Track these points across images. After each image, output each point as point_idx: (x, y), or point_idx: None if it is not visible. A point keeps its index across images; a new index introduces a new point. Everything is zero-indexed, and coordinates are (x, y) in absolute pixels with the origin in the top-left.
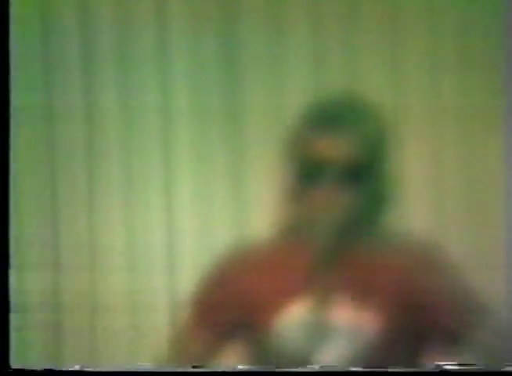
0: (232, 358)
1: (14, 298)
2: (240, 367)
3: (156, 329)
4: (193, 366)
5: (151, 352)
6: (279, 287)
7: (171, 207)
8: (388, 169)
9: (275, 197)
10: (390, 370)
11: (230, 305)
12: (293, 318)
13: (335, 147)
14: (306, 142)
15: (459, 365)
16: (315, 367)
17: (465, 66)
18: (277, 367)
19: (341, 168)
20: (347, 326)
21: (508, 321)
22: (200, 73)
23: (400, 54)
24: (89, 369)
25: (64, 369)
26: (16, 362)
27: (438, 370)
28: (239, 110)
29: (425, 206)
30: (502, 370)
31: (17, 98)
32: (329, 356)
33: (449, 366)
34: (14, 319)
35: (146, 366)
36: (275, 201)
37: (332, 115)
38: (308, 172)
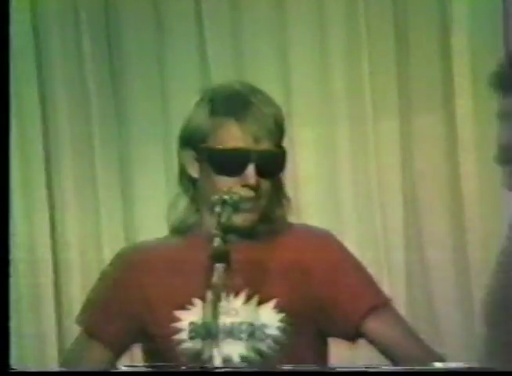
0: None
1: None
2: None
3: None
4: (192, 366)
5: None
6: (177, 286)
7: None
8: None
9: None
10: (390, 370)
11: (127, 306)
12: (193, 317)
13: (243, 135)
14: (210, 130)
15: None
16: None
17: None
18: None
19: (250, 157)
20: (250, 322)
21: None
22: None
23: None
24: (89, 370)
25: (63, 370)
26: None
27: (438, 371)
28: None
29: (320, 199)
30: (503, 370)
31: None
32: (233, 354)
33: (449, 366)
34: None
35: (145, 366)
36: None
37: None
38: (216, 162)
